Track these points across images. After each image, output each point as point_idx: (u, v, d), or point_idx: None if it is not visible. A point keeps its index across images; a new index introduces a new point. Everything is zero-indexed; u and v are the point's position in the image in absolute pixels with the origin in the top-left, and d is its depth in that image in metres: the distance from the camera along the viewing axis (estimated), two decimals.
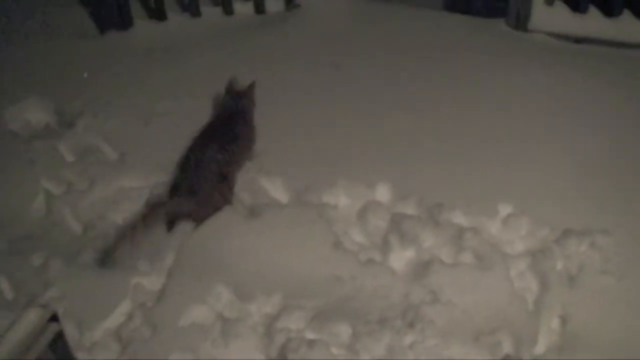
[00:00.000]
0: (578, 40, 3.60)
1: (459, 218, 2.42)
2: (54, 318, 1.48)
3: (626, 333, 2.09)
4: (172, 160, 2.64)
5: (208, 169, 2.48)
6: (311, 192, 2.53)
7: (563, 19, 3.64)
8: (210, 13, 3.89)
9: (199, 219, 2.43)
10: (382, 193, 2.54)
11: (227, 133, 2.63)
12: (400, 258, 2.32)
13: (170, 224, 2.45)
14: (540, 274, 2.23)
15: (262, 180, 2.61)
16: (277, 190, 2.59)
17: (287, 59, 3.34)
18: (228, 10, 3.89)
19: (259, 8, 3.91)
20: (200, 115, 2.86)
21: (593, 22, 3.62)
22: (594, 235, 2.32)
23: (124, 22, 3.73)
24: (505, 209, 2.46)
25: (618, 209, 2.48)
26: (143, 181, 2.64)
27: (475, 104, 3.07)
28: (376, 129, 2.89)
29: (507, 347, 2.05)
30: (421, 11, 3.89)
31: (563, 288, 2.19)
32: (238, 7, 3.90)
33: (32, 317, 1.44)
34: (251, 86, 2.81)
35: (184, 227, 2.39)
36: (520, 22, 3.66)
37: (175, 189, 2.51)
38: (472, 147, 2.79)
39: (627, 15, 3.60)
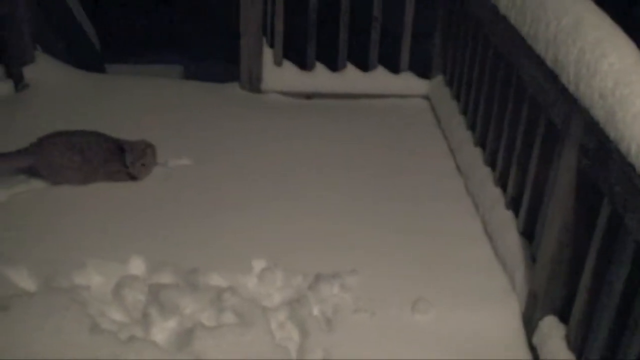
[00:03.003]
0: (309, 96, 3.87)
1: (215, 279, 2.44)
2: None
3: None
4: None
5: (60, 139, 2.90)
6: (60, 277, 2.40)
7: (293, 78, 3.89)
8: None
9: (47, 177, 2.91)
10: (136, 266, 2.48)
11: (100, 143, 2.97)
12: (163, 330, 2.27)
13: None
14: (299, 321, 2.31)
15: (6, 270, 2.42)
16: (23, 279, 2.42)
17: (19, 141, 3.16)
18: None
19: None
20: None
21: (320, 78, 3.91)
22: (343, 277, 2.46)
23: None
24: (259, 264, 2.52)
25: (362, 249, 2.66)
26: None
27: (217, 166, 3.15)
28: (120, 202, 2.86)
29: None
30: (158, 80, 3.98)
31: (322, 332, 2.28)
32: None
33: None
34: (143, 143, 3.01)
35: None
36: (253, 84, 3.84)
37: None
38: (223, 209, 2.85)
39: (350, 69, 3.94)
